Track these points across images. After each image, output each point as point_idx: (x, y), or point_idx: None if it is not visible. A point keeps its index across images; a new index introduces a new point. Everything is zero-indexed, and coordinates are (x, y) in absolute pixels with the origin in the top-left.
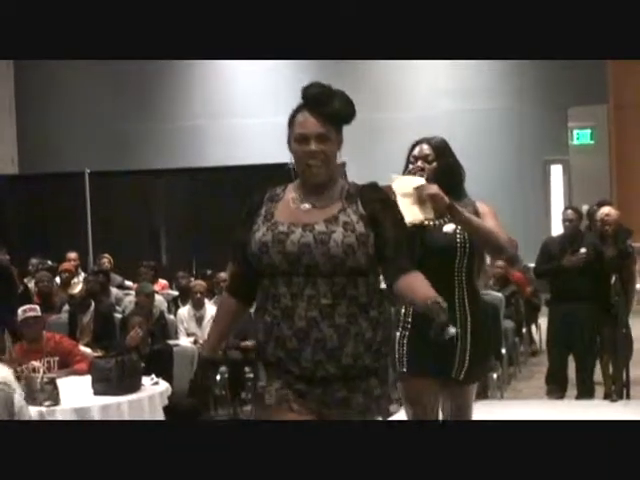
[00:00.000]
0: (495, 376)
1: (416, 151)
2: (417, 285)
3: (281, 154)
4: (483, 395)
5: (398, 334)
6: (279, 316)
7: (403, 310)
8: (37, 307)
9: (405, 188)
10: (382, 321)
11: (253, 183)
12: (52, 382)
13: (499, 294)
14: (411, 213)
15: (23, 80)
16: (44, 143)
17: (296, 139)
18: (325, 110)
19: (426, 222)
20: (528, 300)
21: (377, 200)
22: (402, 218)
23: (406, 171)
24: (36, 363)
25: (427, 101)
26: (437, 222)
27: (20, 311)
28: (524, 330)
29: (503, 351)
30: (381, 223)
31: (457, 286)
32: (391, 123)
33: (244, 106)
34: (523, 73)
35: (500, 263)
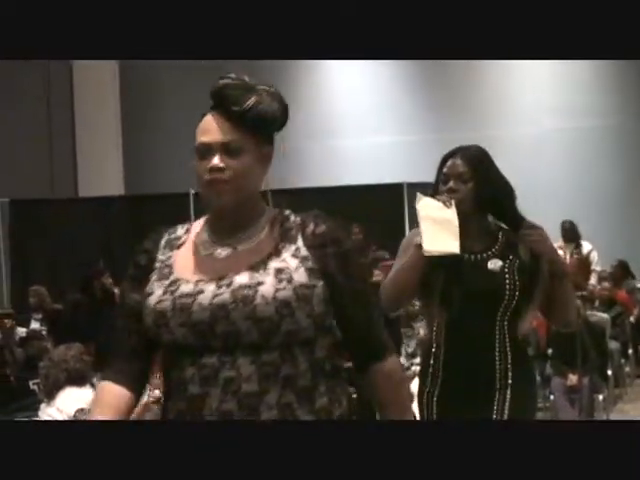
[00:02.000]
0: (601, 397)
1: (447, 167)
2: (398, 392)
3: (382, 175)
4: (589, 417)
5: (419, 389)
6: (184, 410)
7: (430, 356)
8: None
9: (432, 211)
10: (336, 413)
11: (356, 204)
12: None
13: (605, 315)
14: (440, 241)
15: (129, 99)
16: (150, 164)
17: (197, 151)
18: (238, 111)
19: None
20: (635, 321)
21: (329, 238)
22: (362, 266)
23: (435, 193)
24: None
25: (530, 118)
26: (477, 256)
27: None
28: (630, 351)
29: (609, 372)
30: (336, 272)
31: (499, 336)
32: (493, 142)
33: (343, 126)
34: (628, 89)
35: (606, 284)
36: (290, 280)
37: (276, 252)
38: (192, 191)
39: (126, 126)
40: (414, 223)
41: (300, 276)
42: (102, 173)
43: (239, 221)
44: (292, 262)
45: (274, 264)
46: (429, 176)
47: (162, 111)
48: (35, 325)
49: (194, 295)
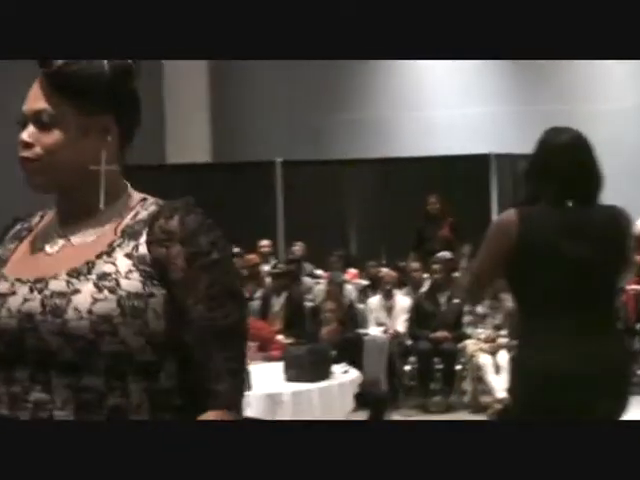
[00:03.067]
0: None
1: None
2: None
3: (470, 146)
4: None
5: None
6: None
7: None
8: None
9: None
10: None
11: (442, 175)
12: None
13: None
14: None
15: (217, 70)
16: (238, 131)
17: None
18: (47, 72)
19: None
20: None
21: (180, 234)
22: (234, 276)
23: None
24: None
25: (619, 93)
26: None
27: None
28: None
29: None
30: (179, 281)
31: None
32: (580, 116)
33: (431, 98)
34: None
35: None
36: (114, 289)
37: (109, 251)
38: (279, 159)
39: (214, 93)
40: (500, 194)
41: (130, 283)
42: (190, 140)
43: (80, 207)
44: (123, 264)
45: (101, 266)
46: (515, 147)
47: (249, 80)
48: None
49: (5, 297)
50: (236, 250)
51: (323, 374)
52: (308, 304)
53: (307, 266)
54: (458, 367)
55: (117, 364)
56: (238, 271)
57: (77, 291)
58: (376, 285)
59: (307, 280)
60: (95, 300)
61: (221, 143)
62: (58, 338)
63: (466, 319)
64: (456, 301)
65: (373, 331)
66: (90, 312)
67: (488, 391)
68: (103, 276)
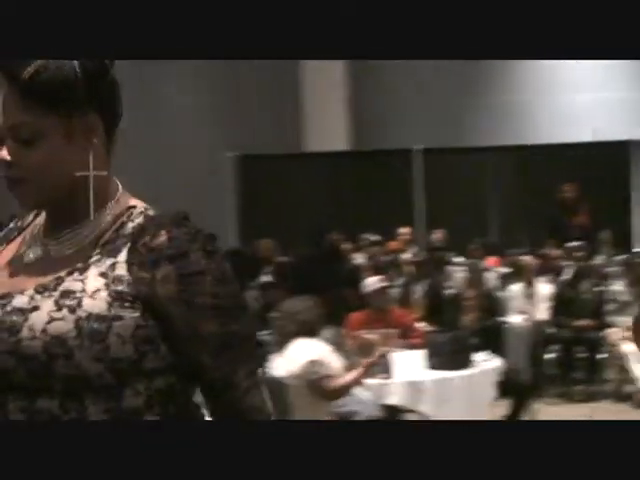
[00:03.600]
0: None
1: None
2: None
3: (609, 132)
4: None
5: None
6: None
7: None
8: (385, 277)
9: None
10: None
11: (586, 161)
12: (386, 355)
13: None
14: None
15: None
16: (376, 119)
17: None
18: (30, 84)
19: None
20: None
21: (168, 253)
22: (235, 286)
23: None
24: (371, 336)
25: None
26: None
27: (371, 281)
28: None
29: None
30: (170, 303)
31: None
32: None
33: (573, 81)
34: None
35: None
36: (74, 308)
37: (84, 267)
38: (418, 147)
39: (352, 80)
40: None
41: (94, 304)
42: (328, 128)
43: (66, 215)
44: (92, 283)
45: (68, 283)
46: None
47: (388, 67)
48: (265, 278)
49: None
50: (377, 238)
51: (464, 362)
52: (449, 292)
53: (447, 254)
54: (601, 356)
55: (73, 387)
56: (235, 280)
57: (36, 308)
58: (517, 272)
59: (448, 268)
60: (52, 319)
61: (360, 131)
62: (11, 357)
63: (609, 307)
64: (598, 289)
65: (514, 319)
66: (44, 331)
67: (631, 380)
68: (66, 294)
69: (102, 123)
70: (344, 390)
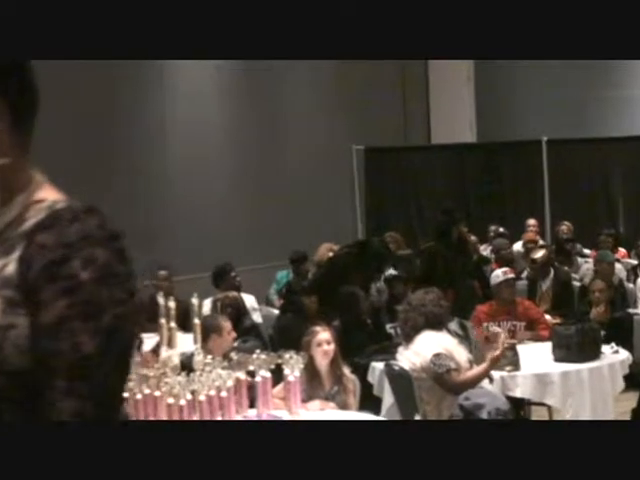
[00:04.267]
0: None
1: None
2: None
3: None
4: None
5: None
6: None
7: None
8: (511, 270)
9: None
10: None
11: None
12: (513, 348)
13: None
14: None
15: None
16: (501, 111)
17: None
18: None
19: None
20: None
21: (51, 254)
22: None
23: None
24: (497, 328)
25: None
26: None
27: (500, 272)
28: None
29: None
30: (40, 308)
31: None
32: None
33: None
34: None
35: None
36: None
37: None
38: (544, 138)
39: (478, 73)
40: None
41: None
42: (454, 120)
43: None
44: None
45: None
46: None
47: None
48: (391, 270)
49: None
50: (503, 230)
51: (592, 354)
52: (576, 284)
53: (575, 245)
54: None
55: None
56: (120, 298)
57: None
58: None
59: (576, 259)
60: None
61: (486, 122)
62: None
63: None
64: None
65: None
66: None
67: None
68: None
69: (8, 109)
70: (470, 383)
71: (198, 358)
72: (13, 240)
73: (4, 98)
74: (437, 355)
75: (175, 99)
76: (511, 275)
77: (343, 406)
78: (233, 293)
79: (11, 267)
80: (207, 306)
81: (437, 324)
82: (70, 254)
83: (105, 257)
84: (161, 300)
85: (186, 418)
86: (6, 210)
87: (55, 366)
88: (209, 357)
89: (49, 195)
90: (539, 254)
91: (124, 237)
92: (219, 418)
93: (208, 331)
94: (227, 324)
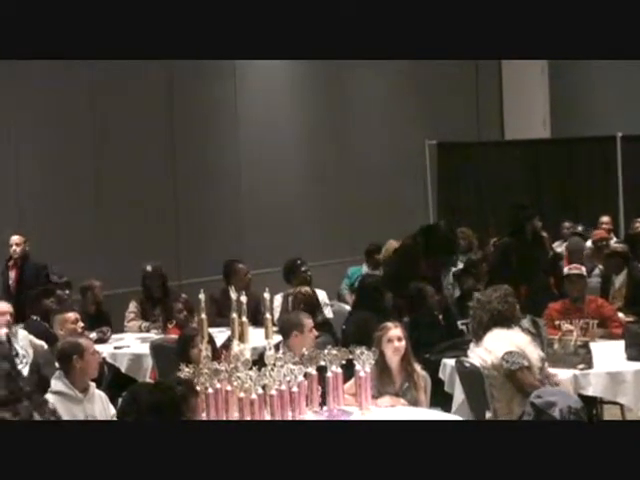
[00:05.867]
0: None
1: None
2: None
3: None
4: None
5: None
6: None
7: None
8: (581, 266)
9: None
10: None
11: None
12: (585, 346)
13: None
14: None
15: None
16: (576, 106)
17: None
18: None
19: None
20: None
21: None
22: None
23: None
24: (569, 326)
25: None
26: None
27: (566, 269)
28: None
29: None
30: None
31: None
32: None
33: None
34: None
35: None
36: None
37: None
38: (619, 134)
39: (552, 68)
40: None
41: None
42: (528, 116)
43: None
44: None
45: None
46: None
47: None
48: (463, 266)
49: None
50: (577, 226)
51: None
52: None
53: None
54: None
55: None
56: None
57: None
58: None
59: None
60: None
61: (560, 118)
62: None
63: None
64: None
65: None
66: None
67: None
68: None
69: None
70: (542, 381)
71: (269, 353)
72: None
73: None
74: (509, 353)
75: (248, 96)
76: (576, 271)
77: (414, 403)
78: (306, 288)
79: None
80: (277, 301)
81: (504, 321)
82: None
83: None
84: (233, 295)
85: (256, 413)
86: None
87: None
88: (288, 354)
89: None
90: (612, 250)
91: None
92: (289, 413)
93: (289, 328)
94: (309, 321)
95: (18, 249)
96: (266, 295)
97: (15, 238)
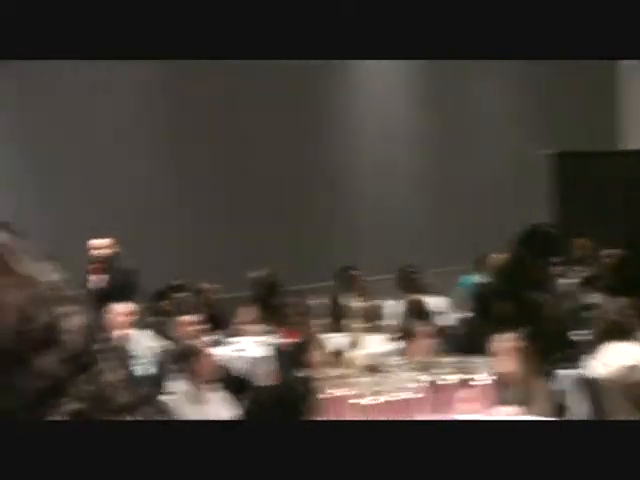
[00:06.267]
0: None
1: None
2: None
3: None
4: None
5: None
6: None
7: None
8: None
9: None
10: None
11: None
12: None
13: None
14: None
15: None
16: None
17: None
18: None
19: None
20: None
21: None
22: None
23: None
24: None
25: None
26: None
27: None
28: None
29: None
30: None
31: None
32: None
33: None
34: None
35: None
36: None
37: None
38: None
39: None
40: None
41: None
42: None
43: None
44: None
45: None
46: None
47: None
48: (581, 277)
49: None
50: None
51: None
52: None
53: None
54: None
55: None
56: None
57: None
58: None
59: None
60: None
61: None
62: None
63: None
64: None
65: None
66: None
67: None
68: None
69: None
70: None
71: (385, 359)
72: None
73: None
74: (627, 367)
75: (366, 101)
76: None
77: (534, 412)
78: (417, 296)
79: None
80: (392, 307)
81: (621, 333)
82: None
83: None
84: (348, 301)
85: (370, 419)
86: None
87: None
88: (404, 360)
89: None
90: None
91: None
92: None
93: (405, 335)
94: (425, 329)
95: (104, 252)
96: (381, 302)
97: (101, 241)
